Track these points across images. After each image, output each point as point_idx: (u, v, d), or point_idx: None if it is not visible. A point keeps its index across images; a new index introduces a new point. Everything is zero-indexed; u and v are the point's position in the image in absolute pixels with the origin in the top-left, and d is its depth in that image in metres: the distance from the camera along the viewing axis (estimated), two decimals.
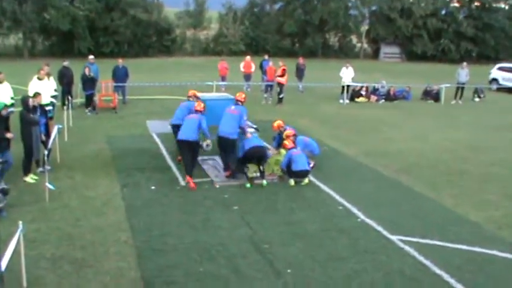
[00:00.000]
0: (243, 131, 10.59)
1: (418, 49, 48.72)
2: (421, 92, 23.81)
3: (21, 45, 41.30)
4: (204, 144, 10.42)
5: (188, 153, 10.08)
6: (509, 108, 21.89)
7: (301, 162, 10.39)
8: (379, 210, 9.06)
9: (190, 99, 11.64)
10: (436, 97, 23.22)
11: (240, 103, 10.82)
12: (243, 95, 11.08)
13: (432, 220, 8.67)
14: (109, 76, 19.43)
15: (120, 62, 19.60)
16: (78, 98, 18.78)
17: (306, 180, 10.40)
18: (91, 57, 19.43)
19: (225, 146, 10.49)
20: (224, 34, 47.73)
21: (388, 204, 9.38)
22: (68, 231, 7.84)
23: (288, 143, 10.89)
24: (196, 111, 10.42)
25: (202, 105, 10.60)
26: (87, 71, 17.50)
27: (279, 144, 11.65)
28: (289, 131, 11.27)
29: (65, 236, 7.65)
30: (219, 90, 21.49)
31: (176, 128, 10.76)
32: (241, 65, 24.44)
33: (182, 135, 10.07)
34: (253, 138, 10.60)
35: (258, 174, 10.33)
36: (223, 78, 23.86)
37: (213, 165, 11.37)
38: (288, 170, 10.48)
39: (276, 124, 11.95)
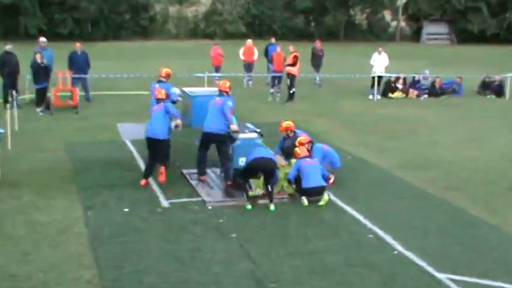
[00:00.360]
0: (227, 121, 11.12)
1: (473, 27, 48.63)
2: (478, 84, 23.88)
3: None
4: (173, 124, 11.39)
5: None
6: None
7: (313, 177, 10.44)
8: (422, 239, 9.05)
9: (164, 80, 13.08)
10: (498, 90, 23.26)
11: (225, 93, 11.41)
12: (228, 83, 11.64)
13: (494, 254, 8.65)
14: (65, 65, 19.53)
15: (78, 46, 19.73)
16: (26, 94, 18.88)
17: (325, 198, 10.44)
18: (42, 39, 19.47)
19: (215, 144, 11.24)
20: (218, 11, 48.05)
21: (433, 232, 9.37)
22: (11, 270, 7.81)
23: (300, 151, 10.95)
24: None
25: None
26: (38, 58, 17.57)
27: (283, 149, 11.73)
28: (303, 138, 11.32)
29: (8, 277, 7.62)
30: (212, 83, 21.57)
31: None
32: (241, 51, 24.59)
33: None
34: (258, 147, 10.71)
35: (260, 192, 10.41)
36: (217, 69, 24.00)
37: (204, 180, 11.41)
38: (297, 186, 10.56)
39: (284, 124, 12.02)
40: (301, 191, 10.48)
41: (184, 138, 13.98)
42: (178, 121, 11.42)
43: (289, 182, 10.74)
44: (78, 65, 19.32)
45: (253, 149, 10.65)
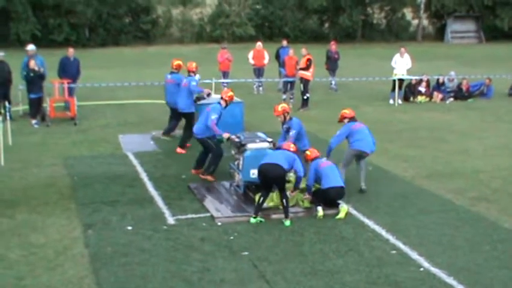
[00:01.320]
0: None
1: (503, 24, 48.38)
2: (509, 86, 23.81)
3: None
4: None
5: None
6: None
7: (333, 177, 10.63)
8: (450, 255, 9.01)
9: (176, 71, 15.84)
10: None
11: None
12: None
13: None
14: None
15: (71, 52, 19.74)
16: (20, 105, 19.01)
17: (344, 208, 10.45)
18: (30, 47, 19.14)
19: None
20: (225, 12, 48.17)
21: (462, 247, 9.33)
22: None
23: (310, 153, 11.23)
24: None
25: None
26: (32, 65, 17.65)
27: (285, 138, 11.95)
28: (309, 153, 11.45)
29: None
30: (220, 90, 21.61)
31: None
32: (250, 55, 24.67)
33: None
34: (270, 153, 10.79)
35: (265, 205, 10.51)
36: (225, 74, 24.07)
37: (212, 194, 11.46)
38: (314, 194, 10.66)
39: (280, 108, 12.23)
40: (320, 194, 10.59)
41: (191, 151, 14.06)
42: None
43: (308, 188, 10.83)
44: (70, 72, 19.28)
45: (267, 153, 10.87)
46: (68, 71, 19.26)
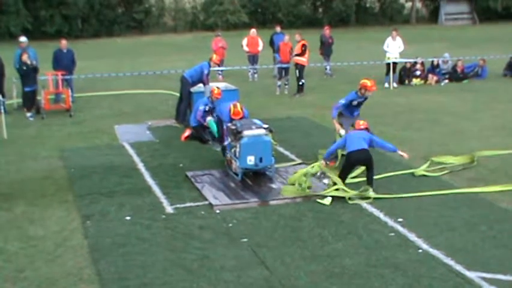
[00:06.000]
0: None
1: (497, 4, 48.43)
2: (504, 67, 23.81)
3: None
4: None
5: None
6: None
7: (357, 142, 10.89)
8: (448, 236, 9.04)
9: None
10: None
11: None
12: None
13: None
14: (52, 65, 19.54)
15: (64, 44, 19.72)
16: (15, 98, 18.98)
17: (371, 192, 10.61)
18: (22, 39, 19.25)
19: None
20: (218, 0, 48.05)
21: (460, 228, 9.35)
22: None
23: (361, 123, 11.49)
24: None
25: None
26: (25, 58, 17.64)
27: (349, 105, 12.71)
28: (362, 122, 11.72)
29: None
30: (215, 78, 21.62)
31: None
32: (244, 42, 24.64)
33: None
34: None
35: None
36: (220, 62, 23.98)
37: (210, 182, 11.46)
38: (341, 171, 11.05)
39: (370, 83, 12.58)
40: (343, 163, 11.07)
41: (189, 141, 14.09)
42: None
43: (328, 153, 11.32)
44: (64, 64, 19.26)
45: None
46: (62, 63, 19.23)
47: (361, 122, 11.52)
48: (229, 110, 12.05)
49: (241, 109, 12.09)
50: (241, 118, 11.91)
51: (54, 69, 19.09)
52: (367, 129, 11.40)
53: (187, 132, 14.57)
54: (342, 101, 12.67)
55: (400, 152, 11.38)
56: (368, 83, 12.53)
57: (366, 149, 10.89)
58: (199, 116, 14.15)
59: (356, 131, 11.36)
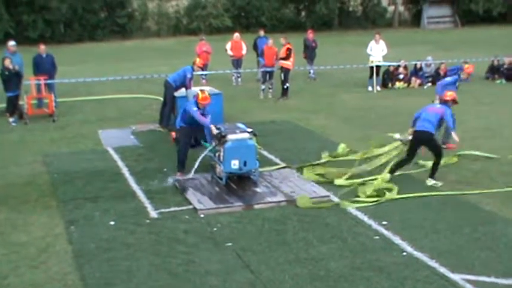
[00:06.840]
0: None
1: (478, 7, 48.78)
2: (486, 69, 23.99)
3: None
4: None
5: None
6: None
7: (423, 121, 11.31)
8: (433, 239, 9.10)
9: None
10: (508, 75, 23.42)
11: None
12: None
13: None
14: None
15: (43, 49, 19.59)
16: None
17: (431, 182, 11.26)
18: (11, 43, 19.13)
19: None
20: (201, 4, 48.09)
21: (444, 230, 9.41)
22: None
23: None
24: None
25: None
26: (7, 63, 17.56)
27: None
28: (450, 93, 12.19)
29: None
30: (199, 83, 21.60)
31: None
32: (228, 46, 24.62)
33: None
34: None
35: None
36: (203, 66, 23.95)
37: (194, 186, 11.44)
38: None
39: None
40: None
41: (172, 145, 14.06)
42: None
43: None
44: (44, 68, 19.12)
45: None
46: (42, 68, 19.11)
47: (449, 93, 11.93)
48: (197, 97, 12.02)
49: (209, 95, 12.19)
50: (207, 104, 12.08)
51: (34, 74, 18.97)
52: (453, 101, 11.79)
53: (174, 135, 14.51)
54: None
55: (453, 135, 11.95)
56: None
57: (426, 130, 11.18)
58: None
59: (434, 105, 11.79)
